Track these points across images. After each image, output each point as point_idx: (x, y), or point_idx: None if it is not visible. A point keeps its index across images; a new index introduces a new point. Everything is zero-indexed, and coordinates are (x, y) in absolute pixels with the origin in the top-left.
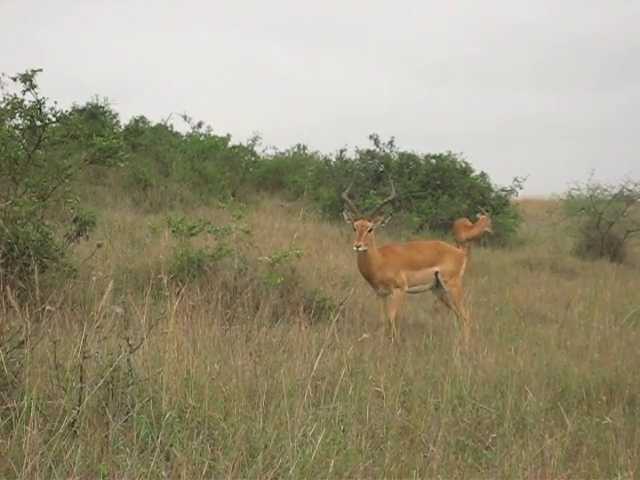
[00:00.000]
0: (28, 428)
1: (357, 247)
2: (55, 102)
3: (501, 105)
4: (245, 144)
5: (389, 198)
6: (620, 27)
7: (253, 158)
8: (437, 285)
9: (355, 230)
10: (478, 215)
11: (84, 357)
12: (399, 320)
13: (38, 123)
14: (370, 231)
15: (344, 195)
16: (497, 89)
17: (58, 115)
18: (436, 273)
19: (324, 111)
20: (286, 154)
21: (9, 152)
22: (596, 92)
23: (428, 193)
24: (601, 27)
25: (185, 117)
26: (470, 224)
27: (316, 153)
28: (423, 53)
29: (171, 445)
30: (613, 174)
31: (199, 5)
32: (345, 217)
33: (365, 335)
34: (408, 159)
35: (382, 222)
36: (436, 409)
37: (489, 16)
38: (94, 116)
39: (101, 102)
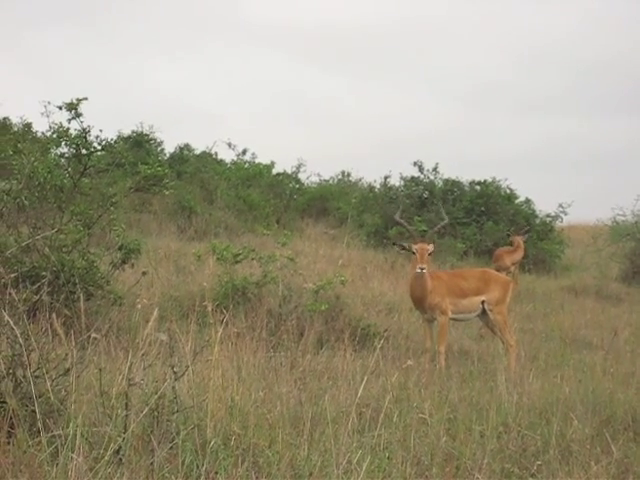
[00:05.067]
0: (74, 455)
1: (421, 269)
2: (100, 130)
3: (545, 128)
4: (289, 171)
5: (443, 223)
6: None
7: (297, 185)
8: (483, 312)
9: (415, 253)
10: (510, 239)
11: (129, 384)
12: (445, 347)
13: (84, 151)
14: (430, 254)
15: (397, 216)
16: (541, 112)
17: (103, 143)
18: (483, 302)
19: (368, 137)
20: (330, 181)
21: (55, 180)
22: None
23: (472, 219)
24: None
25: (229, 144)
26: (513, 249)
27: (360, 180)
28: (466, 77)
29: (216, 472)
30: None
31: (244, 33)
32: (397, 249)
33: (410, 362)
34: (452, 185)
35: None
36: (481, 436)
37: (527, 39)
38: (139, 144)
39: (146, 130)
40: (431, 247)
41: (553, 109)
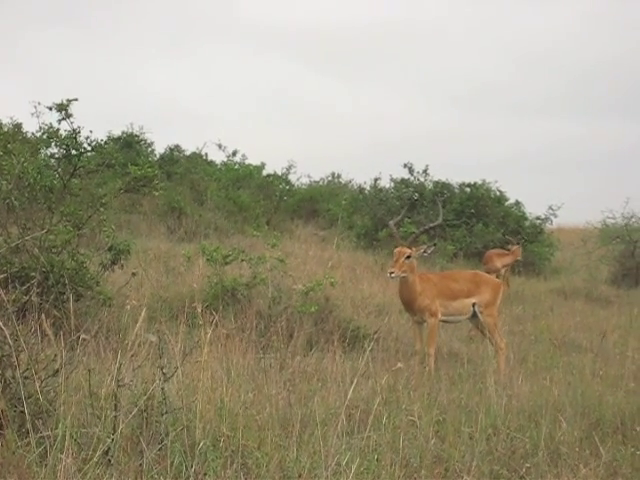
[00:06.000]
0: (63, 456)
1: (390, 273)
2: (90, 131)
3: (536, 131)
4: (279, 172)
5: (436, 222)
6: None
7: (287, 187)
8: (473, 314)
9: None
10: (510, 246)
11: (118, 385)
12: (434, 349)
13: (73, 152)
14: (409, 258)
15: (392, 223)
16: (532, 115)
17: (93, 144)
18: (474, 304)
19: (359, 139)
20: (320, 182)
21: (45, 181)
22: (631, 118)
23: (462, 222)
24: (635, 50)
25: (220, 146)
26: (504, 252)
27: (350, 181)
28: (458, 79)
29: (205, 474)
30: None
31: (235, 34)
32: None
33: (399, 364)
34: (442, 187)
35: (424, 251)
36: (470, 438)
37: (521, 41)
38: (129, 145)
39: (136, 131)
40: (410, 251)
41: (545, 112)
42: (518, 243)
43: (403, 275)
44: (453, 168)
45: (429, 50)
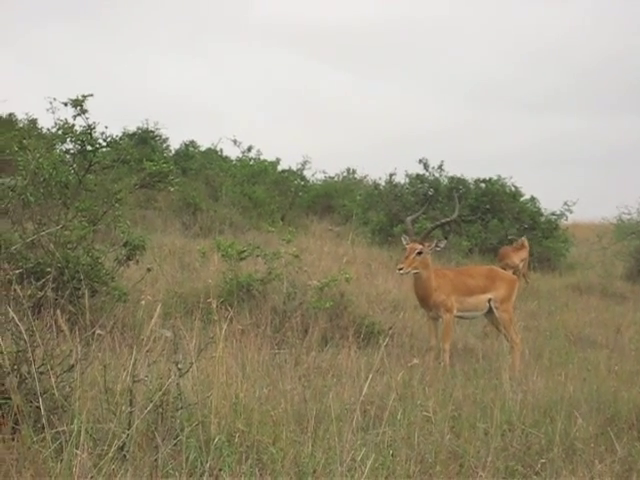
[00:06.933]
0: (78, 452)
1: (399, 269)
2: (106, 127)
3: (550, 126)
4: (294, 168)
5: (450, 217)
6: None
7: (302, 182)
8: (489, 310)
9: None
10: (517, 241)
11: (134, 381)
12: (450, 345)
13: (89, 148)
14: (420, 254)
15: (409, 220)
16: (546, 110)
17: (108, 140)
18: (489, 300)
19: (373, 135)
20: (335, 178)
21: (60, 177)
22: None
23: (477, 217)
24: None
25: (235, 141)
26: (518, 247)
27: (365, 177)
28: (470, 75)
29: (220, 469)
30: None
31: (250, 30)
32: (404, 242)
33: (414, 360)
34: (457, 183)
35: (436, 246)
36: (485, 434)
37: (535, 37)
38: (144, 141)
39: (151, 127)
40: (422, 247)
41: (558, 107)
42: (522, 236)
43: (415, 271)
44: (467, 164)
45: (440, 47)
